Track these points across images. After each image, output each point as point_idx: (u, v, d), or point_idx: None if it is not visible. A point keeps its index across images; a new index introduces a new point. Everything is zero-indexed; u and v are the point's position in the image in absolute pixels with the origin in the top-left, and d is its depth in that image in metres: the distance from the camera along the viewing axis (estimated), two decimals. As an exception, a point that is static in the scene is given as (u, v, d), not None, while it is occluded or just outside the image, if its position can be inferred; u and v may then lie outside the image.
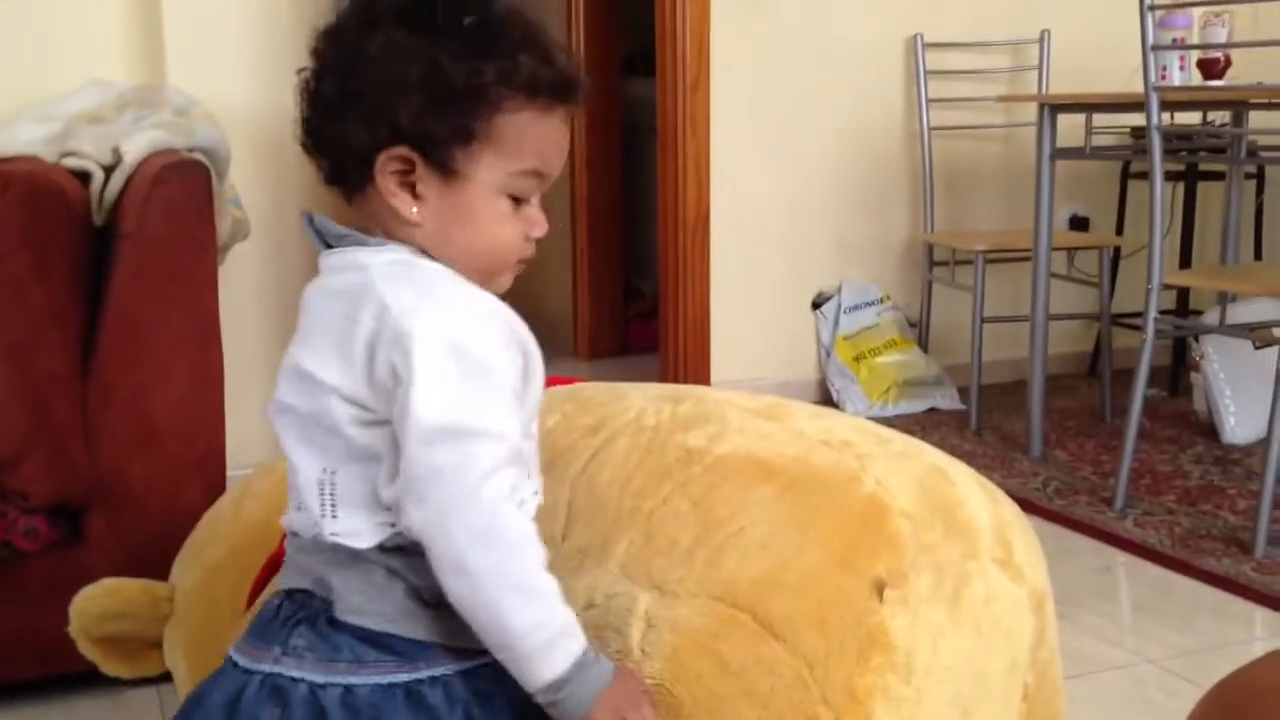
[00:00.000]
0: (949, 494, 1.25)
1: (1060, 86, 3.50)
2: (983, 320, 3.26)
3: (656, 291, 3.55)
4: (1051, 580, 1.34)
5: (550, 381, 1.38)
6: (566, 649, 0.85)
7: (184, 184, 1.81)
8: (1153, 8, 2.55)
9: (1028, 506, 2.55)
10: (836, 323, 3.52)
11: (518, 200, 0.91)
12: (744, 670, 1.02)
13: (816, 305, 3.57)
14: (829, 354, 3.52)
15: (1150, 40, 2.53)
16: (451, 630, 0.87)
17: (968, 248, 3.32)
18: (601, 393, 1.28)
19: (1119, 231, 3.70)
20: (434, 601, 0.86)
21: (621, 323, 4.32)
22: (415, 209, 0.88)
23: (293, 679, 0.87)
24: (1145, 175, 2.64)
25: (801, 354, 3.57)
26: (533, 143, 0.89)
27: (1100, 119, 3.18)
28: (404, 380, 0.83)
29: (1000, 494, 1.35)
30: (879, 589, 1.14)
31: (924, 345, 3.59)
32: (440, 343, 0.84)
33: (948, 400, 3.49)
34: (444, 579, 0.83)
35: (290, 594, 0.92)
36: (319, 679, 0.86)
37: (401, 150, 0.87)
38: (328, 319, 0.88)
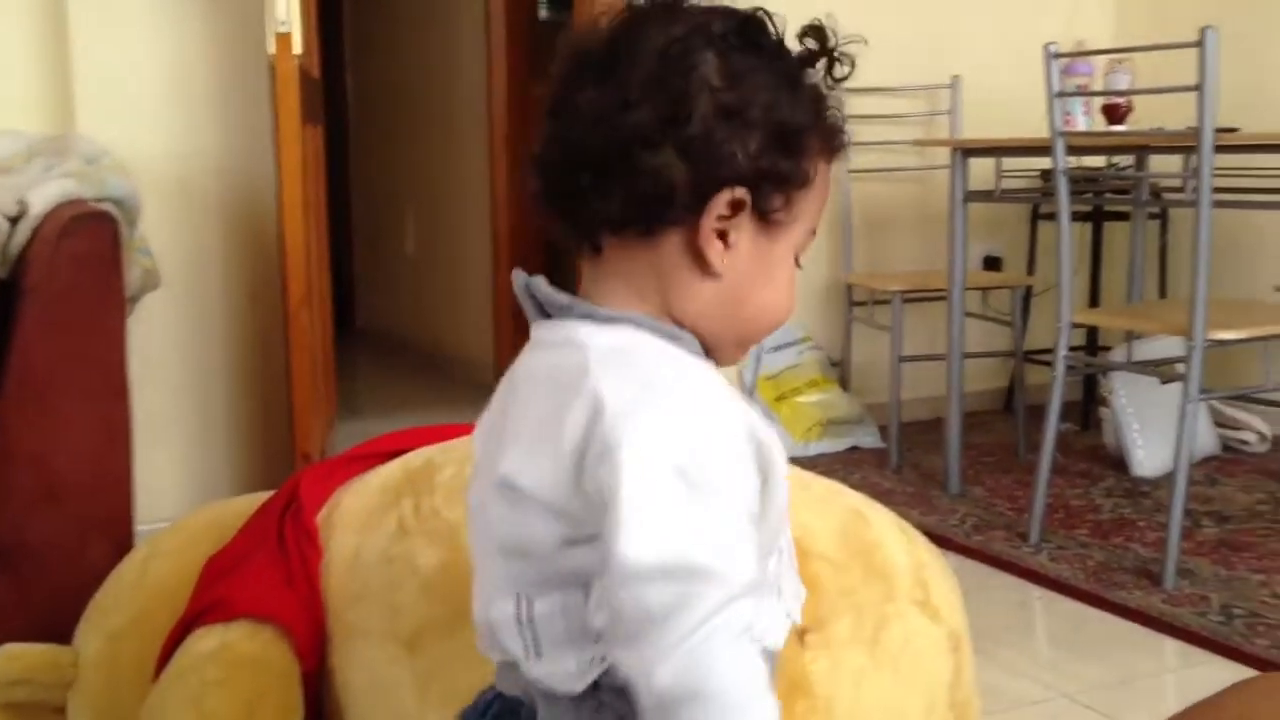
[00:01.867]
0: (867, 537, 1.27)
1: (972, 130, 3.59)
2: (901, 359, 3.31)
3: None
4: (969, 616, 1.35)
5: (458, 430, 1.34)
6: None
7: (91, 236, 1.77)
8: (1057, 55, 2.63)
9: (946, 543, 2.59)
10: (759, 363, 3.54)
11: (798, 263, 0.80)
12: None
13: (738, 346, 3.59)
14: (752, 394, 3.54)
15: (1055, 87, 2.61)
16: None
17: (885, 288, 3.37)
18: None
19: (1030, 271, 3.79)
20: None
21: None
22: (724, 259, 0.76)
23: None
24: (1054, 216, 2.71)
25: (724, 395, 3.58)
26: (822, 198, 0.80)
27: (1010, 162, 3.27)
28: (610, 503, 0.69)
29: (917, 535, 1.37)
30: (800, 635, 1.14)
31: (845, 384, 3.63)
32: (658, 459, 0.70)
33: (869, 438, 3.53)
34: None
35: (503, 695, 0.83)
36: None
37: (742, 192, 0.75)
38: (532, 411, 0.76)
